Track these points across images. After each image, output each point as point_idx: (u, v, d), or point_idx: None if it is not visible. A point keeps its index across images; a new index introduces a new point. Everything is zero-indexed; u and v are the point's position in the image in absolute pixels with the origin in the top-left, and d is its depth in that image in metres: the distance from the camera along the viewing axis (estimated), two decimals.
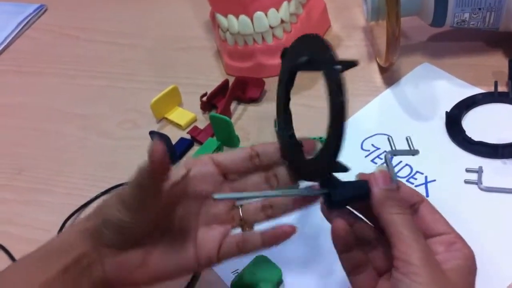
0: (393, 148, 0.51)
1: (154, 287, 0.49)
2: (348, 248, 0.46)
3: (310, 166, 0.47)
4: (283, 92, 0.52)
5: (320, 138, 0.72)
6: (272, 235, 0.48)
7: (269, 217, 0.51)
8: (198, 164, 0.51)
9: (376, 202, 0.45)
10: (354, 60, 0.41)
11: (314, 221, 0.63)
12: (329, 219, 0.47)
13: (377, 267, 0.48)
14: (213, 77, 0.88)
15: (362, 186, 0.46)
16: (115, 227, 0.46)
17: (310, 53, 0.46)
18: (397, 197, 0.45)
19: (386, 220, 0.44)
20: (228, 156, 0.52)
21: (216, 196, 0.46)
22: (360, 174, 0.48)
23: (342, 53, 0.88)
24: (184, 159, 0.53)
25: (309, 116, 0.78)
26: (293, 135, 0.51)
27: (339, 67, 0.41)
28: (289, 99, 0.52)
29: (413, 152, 0.50)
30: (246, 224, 0.51)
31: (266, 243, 0.49)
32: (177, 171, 0.47)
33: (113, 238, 0.47)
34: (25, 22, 1.11)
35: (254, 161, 0.51)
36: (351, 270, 0.47)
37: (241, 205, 0.52)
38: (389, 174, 0.46)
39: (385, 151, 0.49)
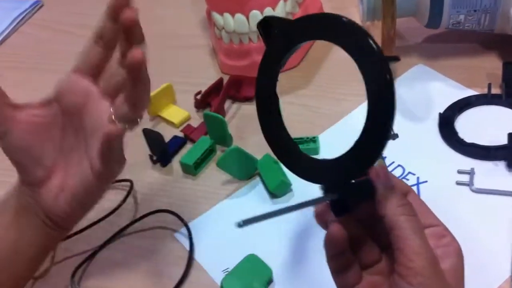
0: None
1: None
2: (342, 252, 0.45)
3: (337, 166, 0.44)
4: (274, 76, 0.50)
5: (314, 137, 0.72)
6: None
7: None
8: (58, 83, 0.52)
9: (382, 203, 0.43)
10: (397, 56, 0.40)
11: (303, 221, 0.63)
12: (322, 223, 0.46)
13: (362, 263, 0.46)
14: (208, 75, 0.88)
15: (366, 186, 0.43)
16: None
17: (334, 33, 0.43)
18: (402, 197, 0.43)
19: (392, 222, 0.42)
20: (80, 58, 0.53)
21: (241, 223, 0.41)
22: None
23: (337, 53, 0.87)
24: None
25: (304, 115, 0.78)
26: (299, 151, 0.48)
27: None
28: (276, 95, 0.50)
29: (392, 136, 0.48)
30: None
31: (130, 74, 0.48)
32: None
33: (28, 176, 0.52)
34: (20, 17, 1.10)
35: (100, 44, 0.52)
36: (339, 270, 0.46)
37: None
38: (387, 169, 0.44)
39: None
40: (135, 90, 0.49)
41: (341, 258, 0.45)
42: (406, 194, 0.46)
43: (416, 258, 0.40)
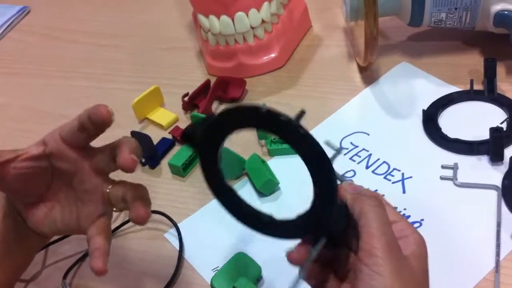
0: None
1: None
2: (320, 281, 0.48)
3: (307, 221, 0.45)
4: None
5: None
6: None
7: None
8: (51, 141, 0.53)
9: (350, 201, 0.45)
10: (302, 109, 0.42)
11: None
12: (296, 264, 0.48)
13: (339, 275, 0.48)
14: (195, 77, 0.89)
15: (344, 214, 0.45)
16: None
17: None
18: (368, 193, 0.46)
19: (359, 213, 0.44)
20: (65, 129, 0.53)
21: None
22: None
23: (323, 53, 0.89)
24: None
25: (291, 115, 0.79)
26: (256, 212, 0.49)
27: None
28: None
29: (338, 151, 0.49)
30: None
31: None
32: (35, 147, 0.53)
33: (16, 204, 0.55)
34: (8, 23, 1.11)
35: (87, 131, 0.52)
36: (318, 286, 0.48)
37: (109, 189, 0.53)
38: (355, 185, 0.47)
39: None
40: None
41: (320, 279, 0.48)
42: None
43: (373, 241, 0.42)
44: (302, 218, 0.45)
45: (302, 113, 0.42)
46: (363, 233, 0.43)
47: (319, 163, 0.42)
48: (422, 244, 0.45)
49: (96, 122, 0.51)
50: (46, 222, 0.55)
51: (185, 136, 0.51)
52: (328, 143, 0.48)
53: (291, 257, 0.47)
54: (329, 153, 0.43)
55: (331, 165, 0.42)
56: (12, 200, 0.55)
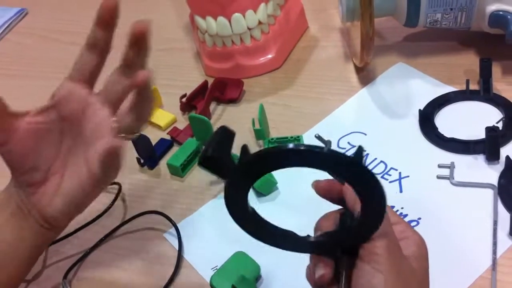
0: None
1: None
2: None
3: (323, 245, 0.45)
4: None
5: (297, 137, 0.73)
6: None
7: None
8: (58, 90, 0.53)
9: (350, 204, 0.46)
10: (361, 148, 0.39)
11: (291, 216, 0.64)
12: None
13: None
14: (192, 78, 0.89)
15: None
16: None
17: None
18: None
19: None
20: (73, 67, 0.54)
21: None
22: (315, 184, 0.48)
23: (319, 54, 0.90)
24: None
25: (287, 116, 0.79)
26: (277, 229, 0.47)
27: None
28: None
29: (326, 144, 0.50)
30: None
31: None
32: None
33: (25, 180, 0.54)
34: (5, 25, 1.11)
35: (93, 52, 0.54)
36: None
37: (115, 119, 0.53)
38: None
39: None
40: (140, 105, 0.52)
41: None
42: None
43: (373, 239, 0.43)
44: (332, 236, 0.45)
45: (361, 151, 0.38)
46: None
47: (375, 201, 0.41)
48: (422, 245, 0.46)
49: (103, 16, 0.52)
50: (59, 198, 0.54)
51: (206, 160, 0.41)
52: (318, 137, 0.48)
53: (319, 187, 0.47)
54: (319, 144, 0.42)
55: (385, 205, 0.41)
56: (18, 182, 0.54)
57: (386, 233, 0.43)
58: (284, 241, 0.47)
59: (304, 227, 0.47)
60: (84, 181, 0.53)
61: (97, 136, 0.51)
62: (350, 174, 0.39)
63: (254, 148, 0.75)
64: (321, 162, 0.39)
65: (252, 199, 0.69)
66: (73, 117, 0.53)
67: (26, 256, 0.56)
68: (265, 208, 0.67)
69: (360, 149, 0.38)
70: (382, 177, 0.68)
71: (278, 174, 0.69)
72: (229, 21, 0.82)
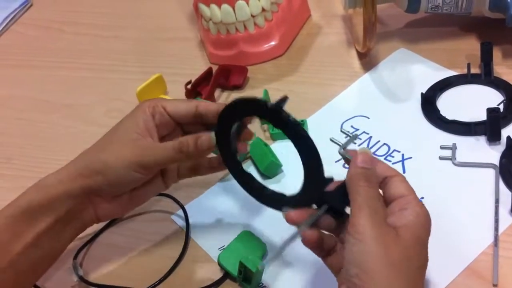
0: (342, 144, 0.54)
1: None
2: (321, 246, 0.51)
3: (300, 198, 0.52)
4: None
5: (302, 121, 0.74)
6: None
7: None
8: (157, 113, 0.58)
9: (348, 179, 0.49)
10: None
11: None
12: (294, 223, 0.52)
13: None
14: (197, 66, 0.90)
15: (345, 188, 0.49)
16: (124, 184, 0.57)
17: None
18: (367, 173, 0.48)
19: (352, 193, 0.48)
20: (175, 107, 0.59)
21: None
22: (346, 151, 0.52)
23: (322, 40, 0.91)
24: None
25: (292, 101, 0.79)
26: (261, 186, 0.57)
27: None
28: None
29: (353, 138, 0.57)
30: None
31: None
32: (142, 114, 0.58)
33: (112, 192, 0.58)
34: (11, 17, 1.12)
35: (196, 119, 0.59)
36: (324, 255, 0.52)
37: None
38: (370, 155, 0.50)
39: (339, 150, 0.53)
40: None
41: (323, 247, 0.52)
42: (391, 177, 0.50)
43: (358, 213, 0.46)
44: (302, 193, 0.51)
45: (285, 98, 0.49)
46: (352, 209, 0.47)
47: (305, 146, 0.48)
48: (421, 215, 0.47)
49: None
50: (129, 206, 0.61)
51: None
52: (343, 131, 0.54)
53: (289, 217, 0.51)
54: (345, 139, 0.54)
55: (315, 147, 0.47)
56: (101, 194, 0.58)
57: (369, 206, 0.46)
58: (261, 194, 0.57)
59: None
60: (159, 190, 0.63)
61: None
62: (279, 123, 0.49)
63: (259, 133, 0.76)
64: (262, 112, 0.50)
65: None
66: None
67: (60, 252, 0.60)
68: None
69: (283, 98, 0.49)
70: (385, 158, 0.69)
71: (283, 158, 0.71)
72: (233, 9, 0.83)
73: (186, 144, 0.55)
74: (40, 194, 0.56)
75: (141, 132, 0.57)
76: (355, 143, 0.70)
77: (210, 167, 0.63)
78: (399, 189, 0.49)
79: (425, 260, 0.47)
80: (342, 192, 0.49)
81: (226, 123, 0.54)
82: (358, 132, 0.73)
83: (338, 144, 0.56)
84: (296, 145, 0.48)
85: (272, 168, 0.70)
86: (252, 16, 0.85)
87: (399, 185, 0.49)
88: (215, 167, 0.63)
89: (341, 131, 0.58)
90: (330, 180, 0.50)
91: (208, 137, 0.55)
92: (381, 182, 0.50)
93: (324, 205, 0.50)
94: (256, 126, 0.77)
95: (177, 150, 0.55)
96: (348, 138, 0.56)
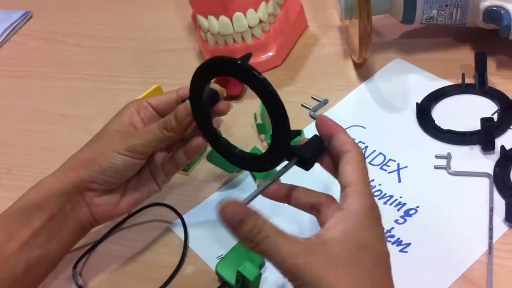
0: (312, 108, 0.58)
1: None
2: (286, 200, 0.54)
3: (271, 154, 0.54)
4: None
5: (299, 130, 0.75)
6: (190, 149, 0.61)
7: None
8: (142, 108, 0.62)
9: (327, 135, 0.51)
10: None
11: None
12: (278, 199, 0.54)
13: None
14: None
15: (318, 141, 0.52)
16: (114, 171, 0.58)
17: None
18: (348, 141, 0.51)
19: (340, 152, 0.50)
20: (157, 100, 0.63)
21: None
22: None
23: (319, 51, 0.92)
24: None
25: (289, 111, 0.80)
26: (237, 150, 0.58)
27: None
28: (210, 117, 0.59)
29: (324, 102, 0.59)
30: None
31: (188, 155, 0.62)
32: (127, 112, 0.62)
33: (104, 185, 0.59)
34: (11, 28, 1.13)
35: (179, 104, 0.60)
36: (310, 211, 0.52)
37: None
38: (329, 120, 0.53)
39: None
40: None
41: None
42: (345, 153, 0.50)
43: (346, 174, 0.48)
44: (273, 148, 0.53)
45: (248, 55, 0.57)
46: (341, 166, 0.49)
47: (272, 101, 0.49)
48: (360, 215, 0.47)
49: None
50: (122, 202, 0.62)
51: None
52: (314, 98, 0.55)
53: (269, 192, 0.53)
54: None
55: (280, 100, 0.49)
56: (93, 188, 0.59)
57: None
58: (237, 158, 0.58)
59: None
60: (152, 190, 0.64)
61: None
62: (247, 79, 0.49)
63: (256, 142, 0.77)
64: (231, 70, 0.50)
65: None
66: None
67: (58, 256, 0.60)
68: None
69: (247, 54, 0.58)
70: (381, 168, 0.70)
71: (280, 166, 0.71)
72: (231, 20, 0.84)
73: (168, 120, 0.58)
74: (34, 192, 0.58)
75: (126, 126, 0.61)
76: None
77: (188, 147, 0.62)
78: (348, 176, 0.49)
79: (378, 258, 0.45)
80: (312, 145, 0.52)
81: (199, 88, 0.56)
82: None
83: (309, 108, 0.57)
84: (263, 101, 0.50)
85: (269, 176, 0.70)
86: (250, 27, 0.86)
87: (348, 170, 0.49)
88: (191, 139, 0.62)
89: (312, 97, 0.60)
90: (297, 132, 0.53)
91: (184, 105, 0.58)
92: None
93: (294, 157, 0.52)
94: (253, 136, 0.78)
95: (162, 127, 0.58)
96: (318, 102, 0.58)
